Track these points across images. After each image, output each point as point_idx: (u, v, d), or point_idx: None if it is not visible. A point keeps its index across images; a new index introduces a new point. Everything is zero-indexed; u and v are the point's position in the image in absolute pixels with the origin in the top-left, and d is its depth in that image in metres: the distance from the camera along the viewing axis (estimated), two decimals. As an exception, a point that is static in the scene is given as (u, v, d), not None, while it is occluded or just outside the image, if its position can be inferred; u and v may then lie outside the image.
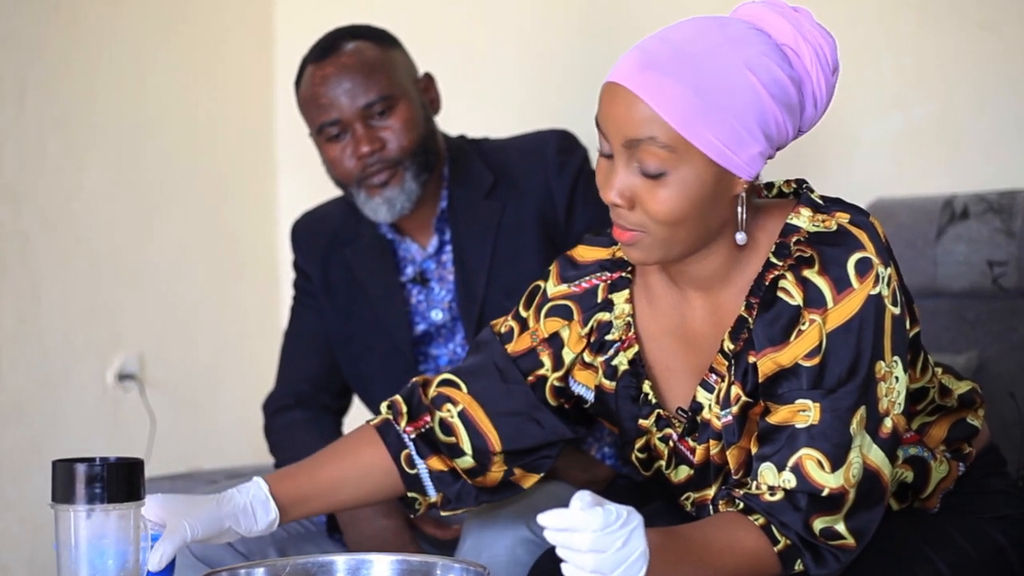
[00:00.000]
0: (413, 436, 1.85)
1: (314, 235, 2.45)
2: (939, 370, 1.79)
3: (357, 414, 2.54)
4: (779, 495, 1.57)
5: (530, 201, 2.32)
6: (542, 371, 1.81)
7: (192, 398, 3.24)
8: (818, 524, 1.56)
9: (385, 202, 2.28)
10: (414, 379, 1.91)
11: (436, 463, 1.84)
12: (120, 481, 1.58)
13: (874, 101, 2.68)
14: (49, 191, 2.95)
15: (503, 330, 1.85)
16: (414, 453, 1.84)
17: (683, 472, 1.74)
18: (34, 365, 2.92)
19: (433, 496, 1.85)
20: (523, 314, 1.84)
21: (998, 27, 2.55)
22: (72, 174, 3.00)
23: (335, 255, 2.41)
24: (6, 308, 2.87)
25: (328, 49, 2.30)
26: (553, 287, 1.81)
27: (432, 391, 1.86)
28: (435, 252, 2.37)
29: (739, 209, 1.61)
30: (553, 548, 1.68)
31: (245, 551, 2.24)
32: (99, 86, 3.05)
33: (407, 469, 1.84)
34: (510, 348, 1.83)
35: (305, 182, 3.26)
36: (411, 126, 2.28)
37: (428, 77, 2.38)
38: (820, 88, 1.62)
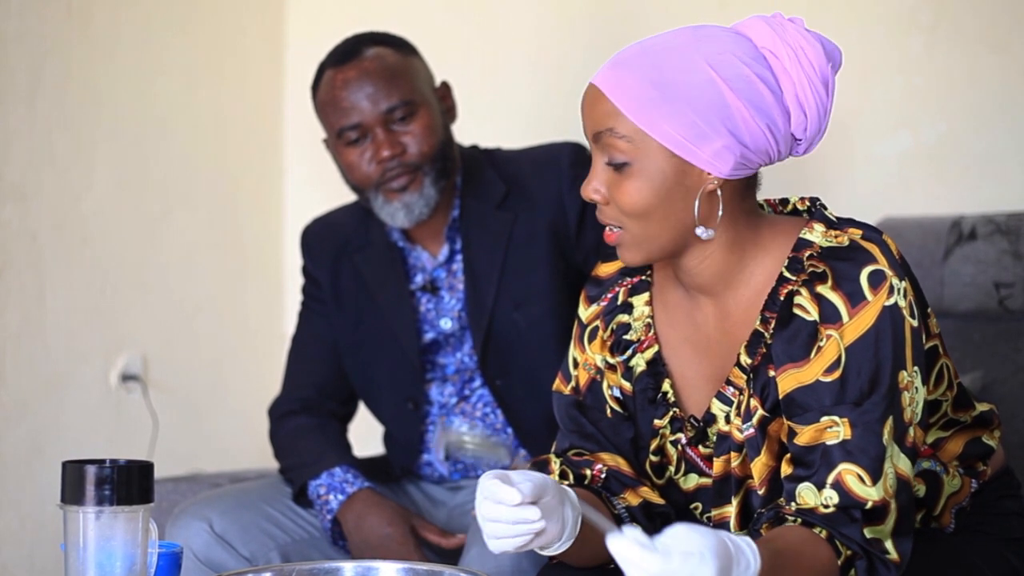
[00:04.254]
0: (598, 487, 1.78)
1: (325, 241, 2.45)
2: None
3: (363, 421, 2.55)
4: (832, 509, 1.58)
5: (542, 212, 2.33)
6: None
7: (195, 401, 3.24)
8: (868, 534, 1.58)
9: (404, 207, 2.29)
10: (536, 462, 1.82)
11: (631, 497, 1.77)
12: (130, 483, 1.58)
13: (883, 120, 2.69)
14: (57, 191, 2.96)
15: (564, 387, 1.84)
16: (608, 495, 1.78)
17: (692, 480, 1.75)
18: (38, 364, 2.92)
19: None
20: (573, 353, 1.83)
21: (1008, 48, 2.56)
22: (81, 174, 3.00)
23: (345, 261, 2.41)
24: (12, 307, 2.88)
25: (349, 54, 2.30)
26: (584, 311, 1.83)
27: (559, 467, 1.80)
28: (446, 261, 2.37)
29: (696, 203, 1.62)
30: (555, 560, 1.71)
31: (249, 555, 2.25)
32: (109, 87, 3.06)
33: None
34: (578, 393, 1.82)
35: (313, 187, 3.27)
36: (431, 132, 2.28)
37: (445, 86, 2.39)
38: (804, 91, 1.62)
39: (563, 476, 1.78)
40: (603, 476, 1.77)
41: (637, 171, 1.61)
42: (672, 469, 1.76)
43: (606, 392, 1.79)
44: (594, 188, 1.65)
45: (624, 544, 1.39)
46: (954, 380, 1.77)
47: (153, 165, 3.15)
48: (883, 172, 2.69)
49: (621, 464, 1.78)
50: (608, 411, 1.79)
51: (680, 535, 1.39)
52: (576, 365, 1.82)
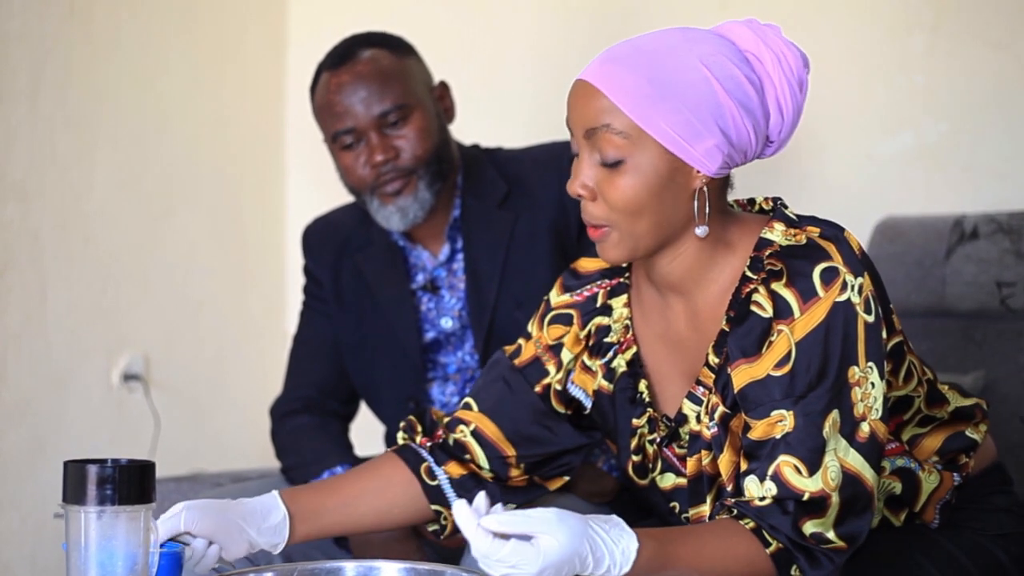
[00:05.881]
0: (429, 446, 1.87)
1: (326, 240, 2.45)
2: (942, 383, 1.82)
3: (364, 421, 2.55)
4: (768, 501, 1.60)
5: (543, 212, 2.33)
6: (548, 379, 1.85)
7: (197, 400, 3.25)
8: (808, 527, 1.59)
9: (398, 211, 2.29)
10: (431, 411, 1.95)
11: (455, 468, 1.86)
12: (131, 483, 1.57)
13: (885, 119, 2.69)
14: (59, 190, 2.96)
15: (512, 348, 1.89)
16: (433, 464, 1.86)
17: (669, 480, 1.77)
18: (40, 364, 2.93)
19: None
20: (529, 329, 1.88)
21: (1011, 47, 2.56)
22: (82, 174, 3.00)
23: (346, 261, 2.42)
24: (13, 306, 2.88)
25: (344, 57, 2.30)
26: (556, 297, 1.87)
27: (446, 418, 1.91)
28: (447, 260, 2.37)
29: (694, 203, 1.65)
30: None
31: (251, 556, 2.25)
32: (111, 86, 3.06)
33: (428, 481, 1.85)
34: (517, 361, 1.87)
35: (314, 186, 3.27)
36: (425, 135, 2.28)
37: (443, 85, 2.38)
38: (784, 95, 1.65)
39: (411, 429, 1.92)
40: (443, 439, 1.86)
41: (631, 168, 1.63)
42: (650, 466, 1.78)
43: (572, 392, 1.84)
44: (581, 184, 1.66)
45: (463, 514, 1.45)
46: (923, 377, 1.78)
47: (155, 164, 3.16)
48: (885, 171, 2.69)
49: (494, 434, 1.84)
50: (538, 393, 1.84)
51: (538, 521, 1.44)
52: (529, 338, 1.87)
